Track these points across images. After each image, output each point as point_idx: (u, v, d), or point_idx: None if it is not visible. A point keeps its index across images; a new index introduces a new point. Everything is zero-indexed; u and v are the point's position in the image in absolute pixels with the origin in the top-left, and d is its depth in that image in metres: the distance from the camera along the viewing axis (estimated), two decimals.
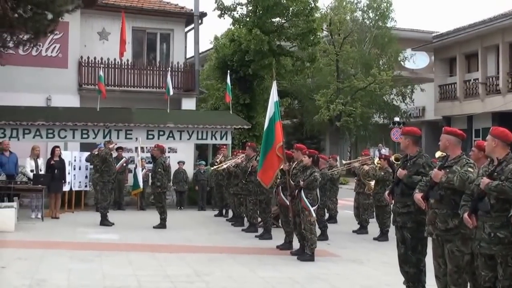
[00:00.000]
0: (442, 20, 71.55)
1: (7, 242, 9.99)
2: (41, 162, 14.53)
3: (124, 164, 17.08)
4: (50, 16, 13.32)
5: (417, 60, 36.35)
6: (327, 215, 13.50)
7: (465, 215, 5.38)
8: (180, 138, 17.68)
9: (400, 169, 6.80)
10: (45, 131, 16.27)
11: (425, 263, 6.76)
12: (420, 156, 6.75)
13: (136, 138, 16.58)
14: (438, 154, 10.56)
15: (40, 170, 14.22)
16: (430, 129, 32.63)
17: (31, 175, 13.87)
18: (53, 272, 7.82)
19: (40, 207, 13.70)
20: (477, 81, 29.37)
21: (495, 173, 5.23)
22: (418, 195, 6.09)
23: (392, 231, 8.55)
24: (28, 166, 14.17)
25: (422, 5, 72.70)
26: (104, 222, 13.10)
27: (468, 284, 5.86)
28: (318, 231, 10.64)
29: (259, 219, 12.58)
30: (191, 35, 22.90)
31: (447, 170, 5.82)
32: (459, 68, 30.67)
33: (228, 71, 20.57)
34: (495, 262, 5.23)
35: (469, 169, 5.69)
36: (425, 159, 6.73)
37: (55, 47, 19.84)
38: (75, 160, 16.13)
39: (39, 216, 13.59)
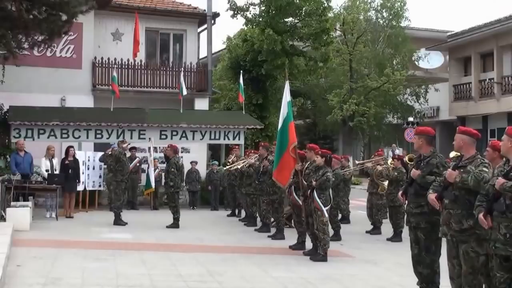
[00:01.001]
0: (457, 19, 71.14)
1: (22, 241, 10.06)
2: (56, 162, 14.63)
3: (138, 164, 17.15)
4: (64, 17, 13.42)
5: (431, 60, 36.09)
6: (339, 215, 13.47)
7: (480, 215, 5.33)
8: (193, 138, 17.74)
9: (413, 169, 6.77)
10: (60, 131, 16.41)
11: (439, 264, 6.72)
12: (434, 156, 6.71)
13: (149, 138, 16.66)
14: (452, 154, 10.47)
15: (55, 170, 14.31)
16: (444, 129, 32.40)
17: (46, 174, 13.96)
18: (67, 270, 7.87)
19: (55, 207, 13.79)
20: (492, 80, 29.13)
21: (511, 174, 5.18)
22: (432, 196, 6.05)
23: (405, 231, 8.50)
24: (43, 166, 14.27)
25: (436, 4, 72.32)
26: (118, 221, 13.16)
27: (483, 286, 5.81)
28: (331, 232, 10.62)
29: (272, 219, 12.57)
30: (204, 36, 22.97)
31: (462, 170, 5.77)
32: (474, 67, 30.45)
33: (241, 71, 20.60)
34: (511, 263, 5.17)
35: (484, 169, 5.64)
36: (439, 159, 6.69)
37: (69, 48, 19.98)
38: (89, 160, 16.22)
39: (54, 215, 13.69)
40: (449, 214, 5.85)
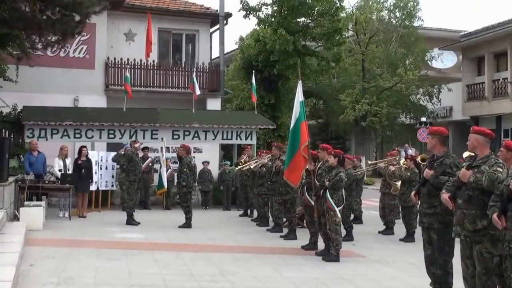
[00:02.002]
0: (470, 19, 70.62)
1: (36, 240, 10.12)
2: (69, 162, 14.70)
3: (150, 164, 17.20)
4: (77, 18, 13.49)
5: (444, 60, 35.90)
6: (352, 215, 13.43)
7: (494, 216, 5.29)
8: (205, 138, 17.76)
9: (427, 169, 6.73)
10: (73, 131, 16.49)
11: (452, 264, 6.68)
12: (447, 156, 6.67)
13: (162, 138, 16.69)
14: (466, 154, 10.40)
15: (68, 170, 14.38)
16: (457, 129, 32.20)
17: (59, 174, 14.03)
18: (80, 270, 7.91)
19: (68, 206, 13.86)
20: (506, 80, 28.89)
21: None
22: (445, 196, 6.01)
23: (418, 232, 8.46)
24: (56, 166, 14.35)
25: (449, 4, 71.86)
26: (130, 221, 13.20)
27: (497, 287, 5.76)
28: (343, 232, 10.58)
29: (284, 219, 12.55)
30: (216, 36, 23.01)
31: (476, 170, 5.73)
32: (488, 67, 30.23)
33: (253, 72, 20.59)
34: None
35: (498, 169, 5.60)
36: (452, 160, 6.65)
37: (82, 48, 20.10)
38: (101, 160, 16.29)
39: (67, 215, 13.76)
40: (462, 214, 5.81)
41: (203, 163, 18.00)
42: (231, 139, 18.14)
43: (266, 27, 24.74)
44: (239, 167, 15.73)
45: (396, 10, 35.19)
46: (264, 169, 13.25)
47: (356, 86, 32.85)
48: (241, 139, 18.12)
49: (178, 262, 8.87)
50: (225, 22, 22.49)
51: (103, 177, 16.29)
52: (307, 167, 9.94)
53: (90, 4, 13.05)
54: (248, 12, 24.75)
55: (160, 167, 15.98)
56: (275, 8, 24.59)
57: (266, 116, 21.99)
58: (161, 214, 15.82)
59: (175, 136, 17.35)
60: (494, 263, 5.64)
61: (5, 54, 14.46)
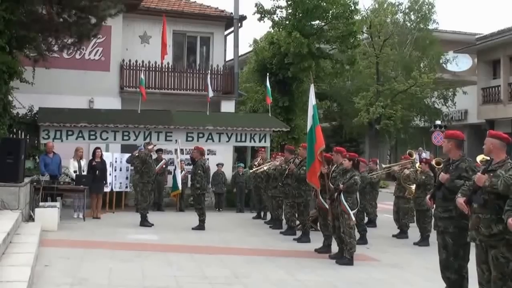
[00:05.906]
0: (486, 21, 70.14)
1: (50, 241, 10.19)
2: (84, 163, 14.80)
3: (164, 166, 17.25)
4: (93, 21, 13.62)
5: (459, 63, 35.66)
6: (366, 219, 13.38)
7: (510, 220, 5.24)
8: (219, 140, 17.80)
9: (442, 173, 6.69)
10: (87, 133, 16.61)
11: (468, 269, 6.62)
12: (463, 160, 6.62)
13: (176, 140, 16.74)
14: (479, 158, 10.32)
15: (83, 171, 14.48)
16: (472, 133, 31.93)
17: (73, 175, 14.14)
18: (94, 271, 7.95)
19: (82, 207, 13.95)
20: None
21: None
22: (461, 200, 5.97)
23: (433, 236, 8.40)
24: (71, 167, 14.46)
25: (465, 7, 71.39)
26: (144, 222, 13.24)
27: None
28: (357, 235, 10.54)
29: (298, 222, 12.53)
30: (230, 38, 23.12)
31: (491, 174, 5.68)
32: (503, 70, 29.96)
33: (267, 74, 20.60)
34: None
35: None
36: (468, 163, 6.60)
37: (97, 50, 20.24)
38: (116, 162, 16.38)
39: (81, 216, 13.83)
40: (478, 218, 5.76)
41: (217, 165, 18.04)
42: (245, 141, 18.16)
43: (281, 29, 24.75)
44: (253, 169, 15.74)
45: (411, 13, 35.04)
46: (277, 171, 13.24)
47: (370, 89, 32.73)
48: (255, 142, 18.14)
49: (191, 264, 8.89)
50: (239, 24, 22.55)
51: (117, 178, 16.38)
52: (321, 170, 9.93)
53: (106, 7, 13.19)
54: (262, 15, 24.79)
55: (175, 169, 16.05)
56: (290, 11, 24.59)
57: (280, 119, 21.98)
58: (175, 216, 15.86)
59: (189, 138, 17.41)
60: (510, 268, 5.58)
61: (22, 56, 14.60)
